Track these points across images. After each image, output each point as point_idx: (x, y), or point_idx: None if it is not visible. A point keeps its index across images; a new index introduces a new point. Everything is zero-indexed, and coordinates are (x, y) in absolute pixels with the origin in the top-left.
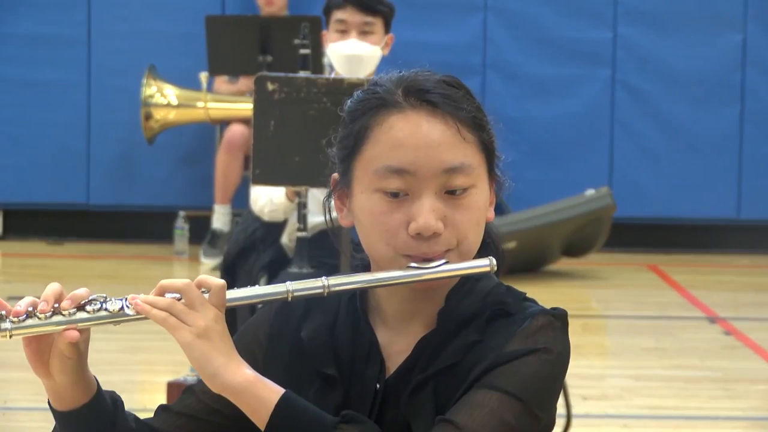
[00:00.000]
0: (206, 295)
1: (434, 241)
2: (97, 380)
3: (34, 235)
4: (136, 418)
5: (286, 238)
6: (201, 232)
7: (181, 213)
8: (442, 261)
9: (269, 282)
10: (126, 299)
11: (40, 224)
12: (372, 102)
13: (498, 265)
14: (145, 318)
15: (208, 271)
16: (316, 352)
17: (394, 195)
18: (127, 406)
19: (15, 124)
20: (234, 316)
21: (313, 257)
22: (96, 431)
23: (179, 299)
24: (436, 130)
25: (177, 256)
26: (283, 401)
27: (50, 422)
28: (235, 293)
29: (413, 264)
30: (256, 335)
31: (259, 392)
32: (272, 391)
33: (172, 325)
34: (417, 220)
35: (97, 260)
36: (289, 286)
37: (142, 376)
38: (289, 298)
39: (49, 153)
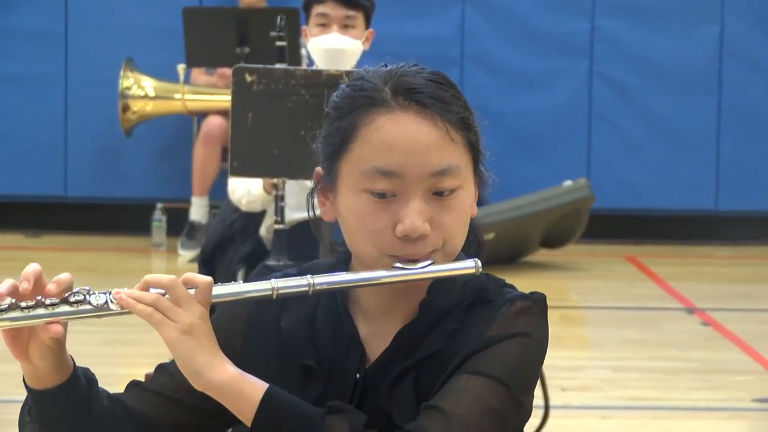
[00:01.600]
0: (191, 292)
1: (421, 242)
2: (72, 359)
3: (12, 228)
4: (110, 396)
5: (265, 231)
6: (179, 224)
7: (159, 205)
8: (428, 262)
9: (247, 274)
10: (110, 293)
11: (18, 217)
12: (359, 100)
13: (478, 256)
14: (129, 313)
15: (186, 263)
16: (296, 343)
17: (381, 196)
18: None
19: None
20: None
21: (292, 249)
22: (70, 409)
23: (164, 295)
24: (425, 132)
25: (155, 248)
26: (267, 397)
27: None
28: (219, 290)
29: (398, 264)
30: (235, 322)
31: (243, 389)
32: (256, 387)
33: (158, 321)
34: (404, 222)
35: (75, 252)
36: (274, 283)
37: (124, 369)
38: (274, 296)
39: (27, 146)
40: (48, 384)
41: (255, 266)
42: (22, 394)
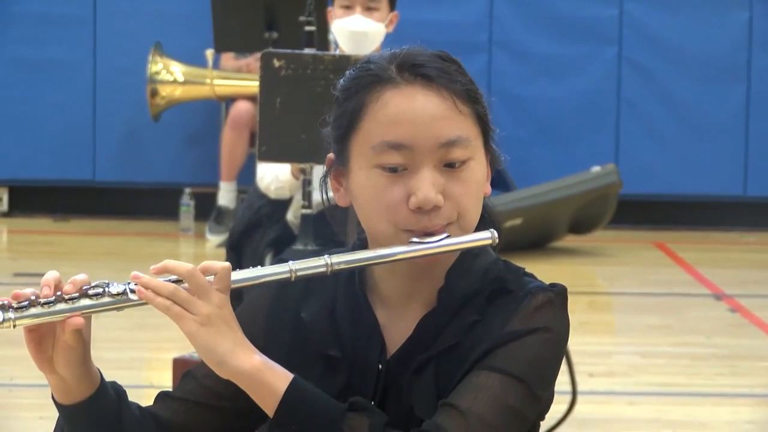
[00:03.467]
0: (211, 278)
1: (435, 214)
2: (100, 372)
3: (40, 212)
4: (139, 407)
5: (292, 215)
6: (207, 209)
7: (187, 190)
8: (444, 235)
9: (274, 258)
10: (129, 284)
11: (46, 201)
12: (366, 79)
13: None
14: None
15: (213, 248)
16: (317, 333)
17: (393, 170)
18: (135, 384)
19: (22, 103)
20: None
21: (319, 234)
22: (101, 423)
23: (182, 284)
24: (432, 103)
25: (183, 232)
26: (291, 388)
27: None
28: (238, 275)
29: (415, 239)
30: (255, 316)
31: (267, 378)
32: (280, 378)
33: (176, 313)
34: (417, 194)
35: (102, 237)
36: (292, 265)
37: (149, 353)
38: (292, 278)
39: (56, 130)
40: (76, 398)
41: (282, 251)
42: (34, 378)
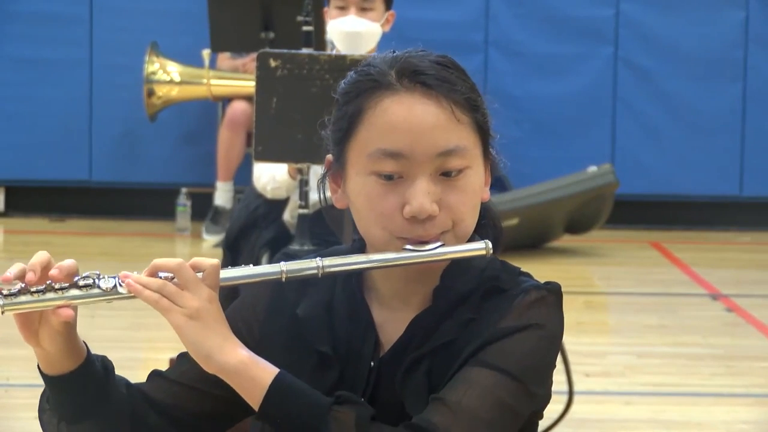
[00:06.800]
0: (200, 275)
1: (429, 223)
2: (87, 345)
3: (36, 212)
4: (128, 384)
5: (288, 215)
6: (203, 209)
7: (183, 190)
8: (438, 243)
9: (271, 258)
10: (118, 277)
11: (42, 201)
12: (365, 84)
13: (497, 243)
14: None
15: (210, 248)
16: (312, 329)
17: (389, 178)
18: None
19: (18, 102)
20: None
21: (315, 234)
22: (86, 396)
23: (172, 279)
24: (430, 112)
25: (179, 232)
26: (276, 382)
27: None
28: (229, 273)
29: (408, 246)
30: (254, 309)
31: (253, 373)
32: (266, 372)
33: (164, 306)
34: (411, 203)
35: (99, 237)
36: (283, 266)
37: (145, 353)
38: (283, 279)
39: (52, 130)
40: (61, 370)
41: (279, 251)
42: (30, 378)
